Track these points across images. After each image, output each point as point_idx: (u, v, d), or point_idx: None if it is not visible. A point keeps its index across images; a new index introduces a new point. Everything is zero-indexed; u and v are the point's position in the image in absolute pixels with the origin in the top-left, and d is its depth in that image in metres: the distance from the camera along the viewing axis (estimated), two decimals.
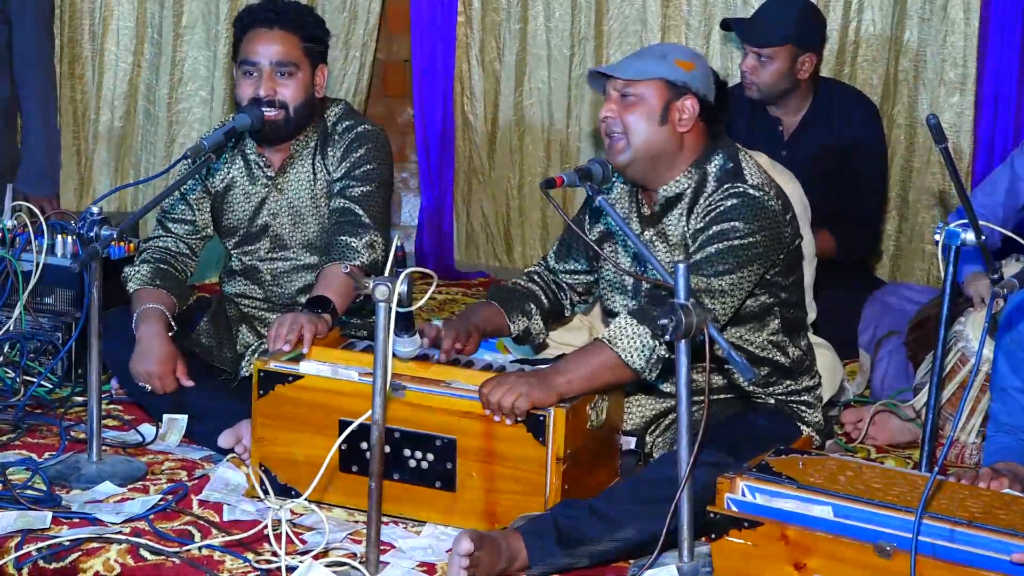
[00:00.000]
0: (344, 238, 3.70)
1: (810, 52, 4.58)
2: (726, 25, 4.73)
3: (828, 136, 4.66)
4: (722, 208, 3.27)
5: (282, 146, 3.86)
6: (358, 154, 3.82)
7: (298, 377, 3.27)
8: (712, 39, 5.38)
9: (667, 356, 3.13)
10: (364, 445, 3.19)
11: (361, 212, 3.75)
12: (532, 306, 3.61)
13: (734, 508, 2.88)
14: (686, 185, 3.35)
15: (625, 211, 3.47)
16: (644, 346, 3.16)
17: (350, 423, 3.05)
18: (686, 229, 3.34)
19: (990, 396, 3.67)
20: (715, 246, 3.23)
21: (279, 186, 3.87)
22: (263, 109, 3.72)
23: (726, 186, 3.29)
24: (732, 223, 3.24)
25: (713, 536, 2.85)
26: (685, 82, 3.30)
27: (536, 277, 3.68)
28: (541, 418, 3.09)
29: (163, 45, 5.70)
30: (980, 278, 3.88)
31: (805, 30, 4.57)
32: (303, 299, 3.82)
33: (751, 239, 3.23)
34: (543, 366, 3.35)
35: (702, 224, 3.29)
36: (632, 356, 3.17)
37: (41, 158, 5.16)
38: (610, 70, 3.33)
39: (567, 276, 3.66)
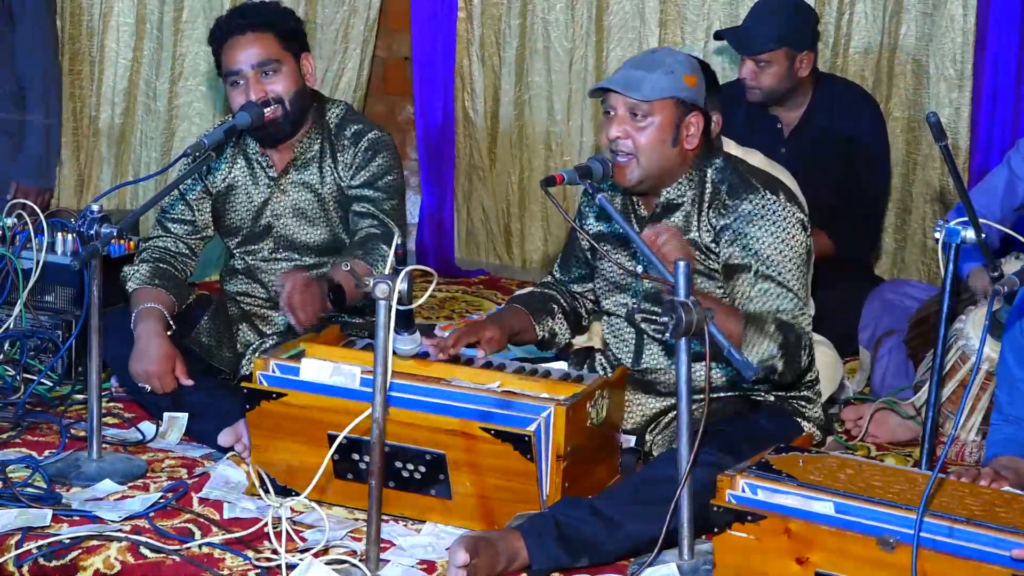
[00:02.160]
0: (385, 246, 3.65)
1: (806, 50, 4.57)
2: (719, 36, 4.72)
3: (829, 132, 4.65)
4: (748, 229, 3.28)
5: (284, 146, 3.85)
6: (377, 163, 3.82)
7: (281, 395, 3.23)
8: (710, 35, 5.38)
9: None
10: (356, 456, 3.18)
11: (394, 227, 3.75)
12: (555, 306, 3.63)
13: (735, 504, 2.88)
14: (686, 188, 3.36)
15: (619, 212, 3.47)
16: (763, 351, 3.24)
17: (338, 436, 3.03)
18: (703, 236, 3.35)
19: (993, 389, 3.67)
20: (771, 265, 3.27)
21: (282, 187, 3.87)
22: (259, 108, 3.72)
23: (746, 200, 3.30)
24: (761, 241, 3.28)
25: (716, 530, 2.85)
26: (693, 99, 3.30)
27: (551, 286, 3.70)
28: (526, 438, 3.07)
29: (163, 40, 5.70)
30: (983, 273, 3.87)
31: (797, 30, 4.55)
32: None
33: (790, 242, 3.28)
34: (553, 364, 3.36)
35: (733, 247, 3.31)
36: (752, 350, 3.23)
37: (37, 150, 5.15)
38: (623, 88, 3.29)
39: (576, 286, 3.68)
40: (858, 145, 4.67)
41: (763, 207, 3.30)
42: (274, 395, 3.23)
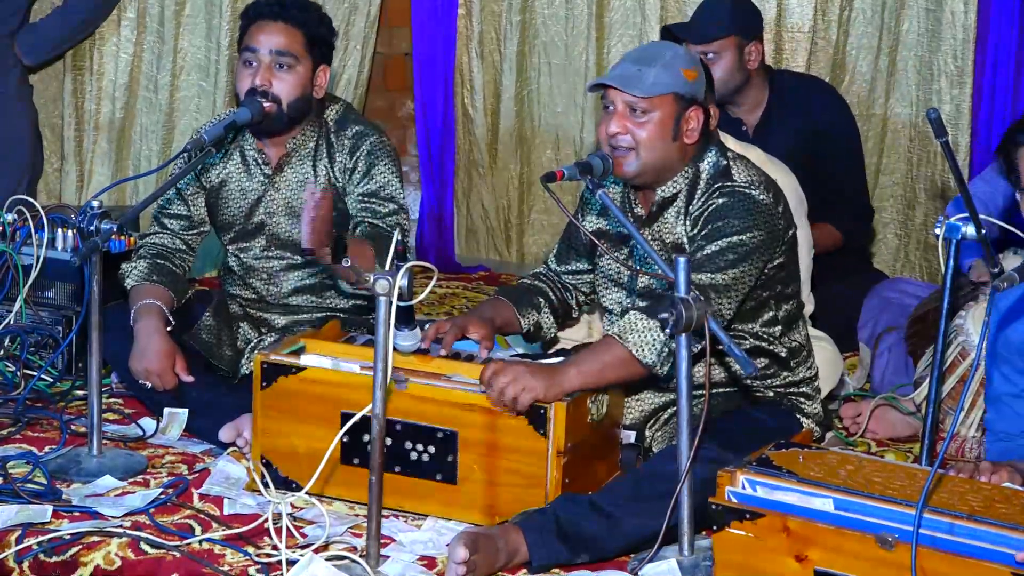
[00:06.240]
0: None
1: (755, 40, 4.57)
2: (668, 30, 4.63)
3: (794, 126, 4.64)
4: (714, 207, 3.27)
5: (279, 140, 3.84)
6: (380, 171, 3.79)
7: (301, 369, 3.27)
8: None
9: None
10: (366, 437, 3.18)
11: (397, 235, 3.73)
12: (541, 300, 3.61)
13: (735, 501, 2.88)
14: (682, 185, 3.36)
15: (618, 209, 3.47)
16: (655, 340, 3.16)
17: (352, 415, 3.05)
18: (685, 229, 3.34)
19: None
20: (714, 244, 3.23)
21: (275, 184, 3.87)
22: (259, 100, 3.71)
23: (716, 186, 3.30)
24: (726, 219, 3.25)
25: (715, 528, 2.85)
26: (692, 94, 3.28)
27: (541, 277, 3.69)
28: (542, 411, 3.09)
29: (165, 35, 5.70)
30: (985, 266, 3.87)
31: (745, 19, 4.56)
32: (297, 299, 3.84)
33: (748, 235, 3.23)
34: (552, 359, 3.35)
35: (698, 227, 3.30)
36: (644, 350, 3.16)
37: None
38: (621, 84, 3.27)
39: (570, 276, 3.67)
40: (829, 136, 4.66)
41: (732, 194, 3.28)
42: (293, 370, 3.25)
